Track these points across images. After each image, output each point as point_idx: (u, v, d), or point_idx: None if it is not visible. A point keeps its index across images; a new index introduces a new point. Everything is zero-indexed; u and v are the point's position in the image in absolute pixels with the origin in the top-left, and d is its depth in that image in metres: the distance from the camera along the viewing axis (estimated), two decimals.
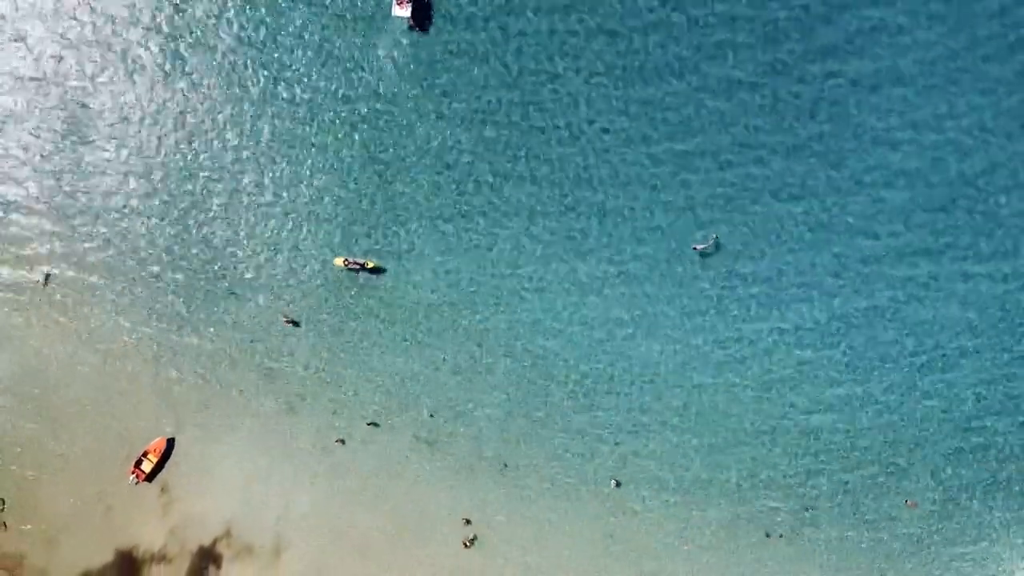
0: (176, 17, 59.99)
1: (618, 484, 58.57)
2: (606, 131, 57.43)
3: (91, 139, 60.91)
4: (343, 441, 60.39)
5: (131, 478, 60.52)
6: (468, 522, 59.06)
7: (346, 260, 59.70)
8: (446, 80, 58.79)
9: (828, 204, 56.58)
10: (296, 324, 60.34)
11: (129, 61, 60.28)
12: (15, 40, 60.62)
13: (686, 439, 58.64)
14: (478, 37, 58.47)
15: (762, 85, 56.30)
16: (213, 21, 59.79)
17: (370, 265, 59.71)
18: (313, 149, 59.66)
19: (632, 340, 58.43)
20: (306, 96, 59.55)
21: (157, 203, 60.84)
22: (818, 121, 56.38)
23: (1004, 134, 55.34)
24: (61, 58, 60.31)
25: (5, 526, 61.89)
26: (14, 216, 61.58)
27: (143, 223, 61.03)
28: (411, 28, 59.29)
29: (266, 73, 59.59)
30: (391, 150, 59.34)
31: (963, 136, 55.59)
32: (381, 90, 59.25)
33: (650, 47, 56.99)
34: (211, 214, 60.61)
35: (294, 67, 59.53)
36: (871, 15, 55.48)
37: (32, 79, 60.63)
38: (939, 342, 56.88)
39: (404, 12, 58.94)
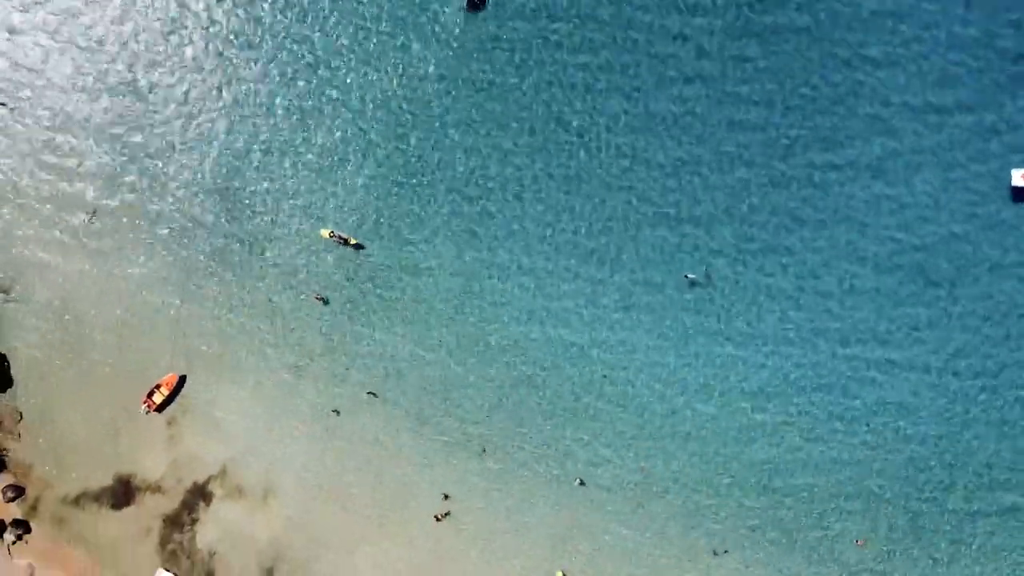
0: None
1: (582, 483, 62.25)
2: (623, 156, 62.27)
3: (148, 93, 67.03)
4: (338, 412, 64.90)
5: (143, 407, 65.43)
6: (446, 497, 63.31)
7: (331, 232, 64.34)
8: (487, 69, 63.25)
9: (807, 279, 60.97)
10: (325, 302, 65.13)
11: (191, 25, 66.33)
12: None
13: (651, 457, 61.45)
14: (526, 29, 62.73)
15: (761, 164, 60.61)
16: None
17: (352, 242, 64.26)
18: (348, 125, 64.85)
19: (617, 361, 61.89)
20: (349, 69, 64.90)
21: (200, 161, 66.55)
22: (809, 206, 59.98)
23: (977, 241, 59.29)
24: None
25: (20, 437, 66.86)
26: (70, 156, 67.73)
27: (188, 177, 66.63)
28: (466, 7, 63.55)
29: (314, 44, 65.27)
30: (422, 132, 64.04)
31: (937, 240, 59.68)
32: (423, 68, 63.98)
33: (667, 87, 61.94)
34: (249, 180, 66.01)
35: (341, 37, 64.93)
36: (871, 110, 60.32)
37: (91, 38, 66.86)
38: (892, 406, 60.33)
39: None
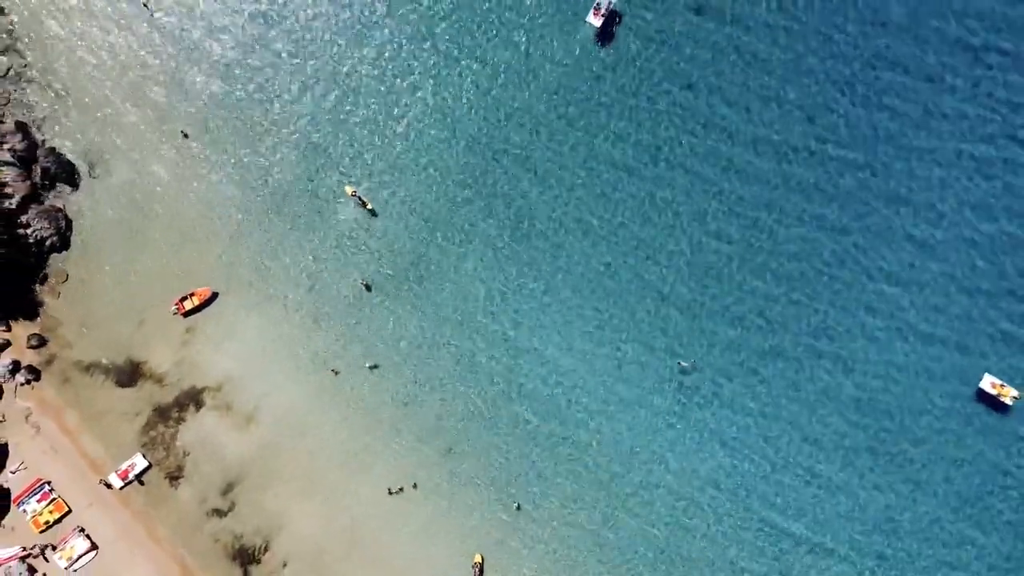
0: None
1: (519, 508, 68.61)
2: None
3: (274, 50, 74.67)
4: (336, 372, 71.51)
5: (173, 307, 72.30)
6: (415, 486, 69.23)
7: (354, 191, 71.61)
8: (594, 100, 70.57)
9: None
10: (368, 288, 71.87)
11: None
12: None
13: (589, 515, 67.86)
14: (643, 76, 70.03)
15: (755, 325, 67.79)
16: None
17: (368, 206, 71.58)
18: (436, 126, 72.22)
19: (597, 418, 68.76)
20: (457, 77, 72.83)
21: (296, 121, 73.87)
22: (794, 371, 67.14)
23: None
24: None
25: (59, 295, 73.73)
26: (191, 75, 75.37)
27: (281, 130, 73.87)
28: (596, 38, 70.94)
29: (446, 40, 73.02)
30: (509, 137, 71.33)
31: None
32: (534, 78, 71.40)
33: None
34: (334, 148, 73.36)
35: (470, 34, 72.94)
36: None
37: None
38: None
39: (596, 22, 70.34)
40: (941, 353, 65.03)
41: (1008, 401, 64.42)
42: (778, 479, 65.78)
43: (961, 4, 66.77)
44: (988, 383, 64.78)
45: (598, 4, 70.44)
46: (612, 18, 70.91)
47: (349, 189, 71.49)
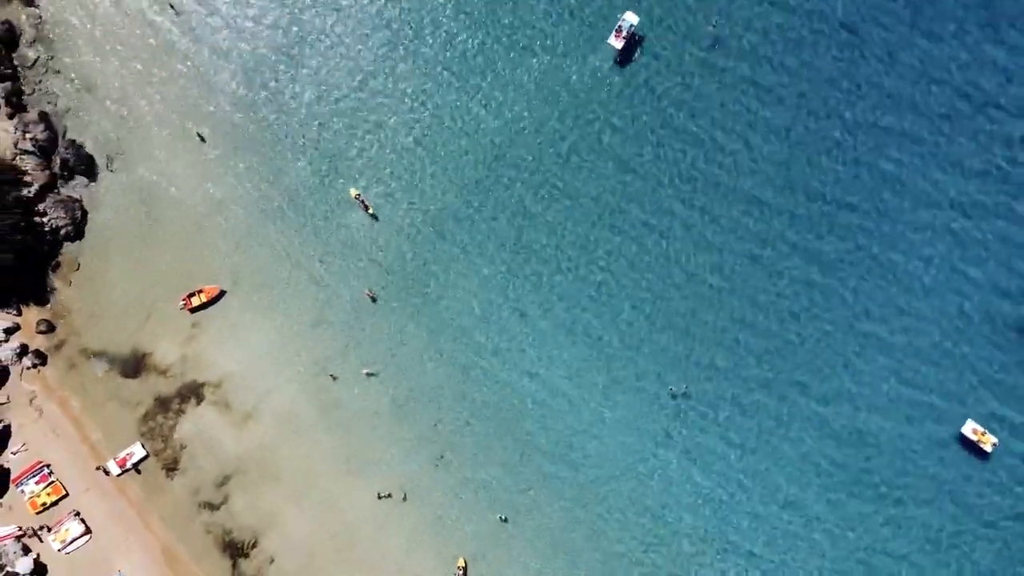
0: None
1: (504, 520, 70.14)
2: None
3: (295, 57, 76.65)
4: (335, 377, 73.16)
5: (180, 303, 74.07)
6: (405, 498, 70.93)
7: (358, 194, 73.49)
8: (603, 128, 72.60)
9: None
10: (374, 300, 73.70)
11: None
12: None
13: (570, 533, 69.43)
14: (657, 102, 72.24)
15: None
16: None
17: (370, 211, 73.50)
18: (448, 138, 74.18)
19: (584, 440, 70.36)
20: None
21: (310, 124, 75.78)
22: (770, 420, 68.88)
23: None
24: None
25: (71, 283, 75.54)
26: (211, 74, 77.32)
27: (294, 132, 75.84)
28: (615, 63, 72.93)
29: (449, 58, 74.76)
30: (516, 156, 73.29)
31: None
32: (548, 100, 73.31)
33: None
34: (350, 152, 75.19)
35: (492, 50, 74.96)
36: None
37: None
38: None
39: (617, 44, 72.28)
40: (924, 399, 66.68)
41: (988, 448, 65.93)
42: (756, 514, 67.34)
43: (959, 64, 68.86)
44: (969, 429, 66.28)
45: (619, 27, 72.10)
46: (632, 43, 72.55)
47: (353, 191, 73.36)
